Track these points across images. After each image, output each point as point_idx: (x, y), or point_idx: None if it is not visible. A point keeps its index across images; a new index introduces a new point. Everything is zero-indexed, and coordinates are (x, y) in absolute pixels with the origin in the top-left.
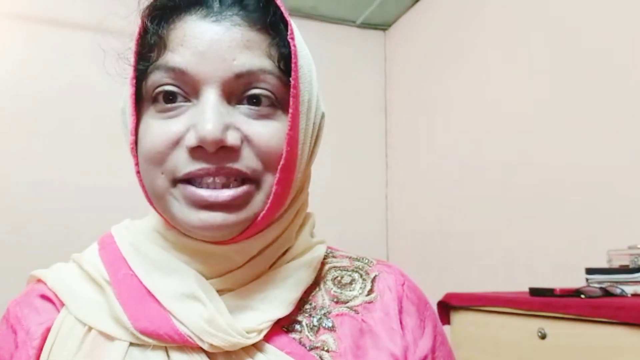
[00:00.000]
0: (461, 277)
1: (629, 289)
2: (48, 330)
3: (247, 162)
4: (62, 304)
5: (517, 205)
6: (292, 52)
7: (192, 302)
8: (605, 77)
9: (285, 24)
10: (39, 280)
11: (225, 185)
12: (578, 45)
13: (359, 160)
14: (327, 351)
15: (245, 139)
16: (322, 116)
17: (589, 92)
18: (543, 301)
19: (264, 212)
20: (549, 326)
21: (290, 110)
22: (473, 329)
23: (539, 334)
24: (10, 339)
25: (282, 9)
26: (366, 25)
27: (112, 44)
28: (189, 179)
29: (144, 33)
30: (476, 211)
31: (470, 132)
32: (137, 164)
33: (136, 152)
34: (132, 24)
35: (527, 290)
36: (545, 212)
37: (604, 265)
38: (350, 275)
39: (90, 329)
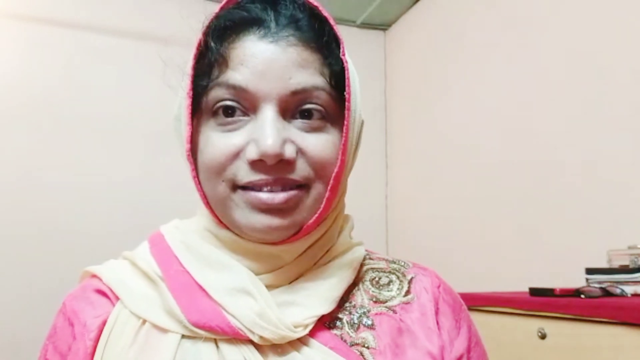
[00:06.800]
0: (461, 277)
1: (629, 289)
2: (104, 323)
3: (301, 172)
4: (117, 299)
5: (517, 205)
6: (346, 69)
7: (244, 297)
8: (607, 77)
9: (337, 41)
10: (94, 276)
11: (281, 190)
12: (579, 44)
13: (359, 160)
14: (367, 348)
15: (300, 151)
16: (362, 123)
17: (590, 92)
18: (543, 301)
19: (316, 215)
20: (549, 326)
21: (345, 123)
22: None
23: (539, 334)
24: (67, 331)
25: (335, 29)
26: (366, 25)
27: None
28: (248, 187)
29: (205, 50)
30: (476, 211)
31: (470, 132)
32: (193, 170)
33: (192, 158)
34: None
35: (527, 290)
36: (545, 212)
37: (604, 265)
38: (387, 277)
39: (144, 322)
